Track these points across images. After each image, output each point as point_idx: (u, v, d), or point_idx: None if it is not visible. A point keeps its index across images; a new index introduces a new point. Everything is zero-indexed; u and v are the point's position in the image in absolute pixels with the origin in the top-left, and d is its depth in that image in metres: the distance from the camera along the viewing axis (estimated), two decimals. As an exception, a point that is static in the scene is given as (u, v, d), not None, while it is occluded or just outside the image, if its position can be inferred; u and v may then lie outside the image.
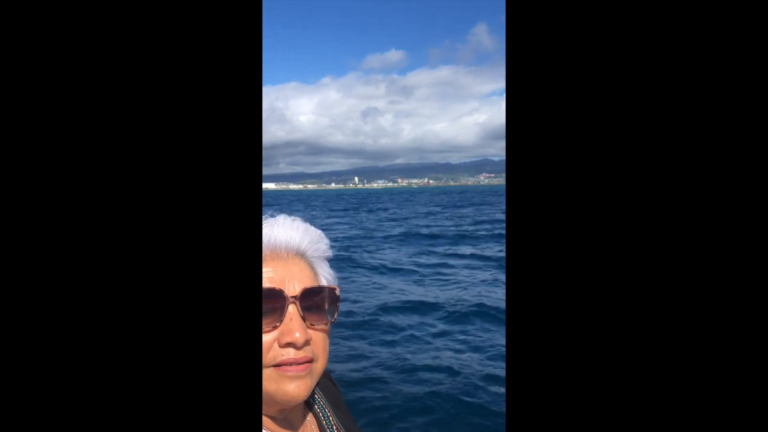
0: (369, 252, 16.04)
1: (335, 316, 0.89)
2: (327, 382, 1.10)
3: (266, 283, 0.82)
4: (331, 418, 1.01)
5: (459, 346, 6.63)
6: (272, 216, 0.90)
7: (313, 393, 1.00)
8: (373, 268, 12.88)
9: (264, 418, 0.85)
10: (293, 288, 0.84)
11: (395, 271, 12.54)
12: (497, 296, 9.10)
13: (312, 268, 0.90)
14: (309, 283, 0.86)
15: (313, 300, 0.85)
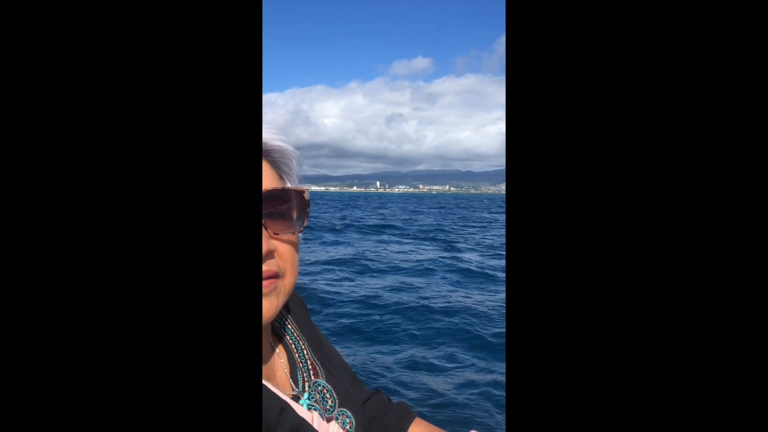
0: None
1: (305, 223, 0.76)
2: (298, 306, 0.96)
3: None
4: (305, 352, 0.88)
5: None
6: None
7: (284, 320, 0.90)
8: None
9: None
10: None
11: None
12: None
13: (276, 168, 0.77)
14: (271, 185, 0.72)
15: (276, 206, 0.72)
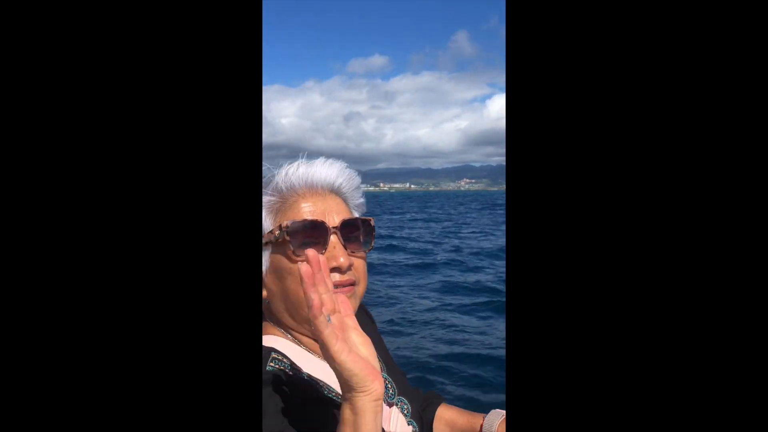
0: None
1: (372, 244, 0.95)
2: (365, 318, 1.12)
3: (308, 216, 0.89)
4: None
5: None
6: (270, 168, 0.94)
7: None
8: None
9: (312, 342, 0.92)
10: (333, 219, 0.90)
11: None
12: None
13: (346, 203, 0.96)
14: (347, 216, 0.92)
15: (351, 230, 0.91)
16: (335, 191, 0.96)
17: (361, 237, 0.93)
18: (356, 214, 0.97)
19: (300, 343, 0.94)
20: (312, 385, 0.89)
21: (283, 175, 0.92)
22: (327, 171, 0.93)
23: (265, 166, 0.94)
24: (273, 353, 0.88)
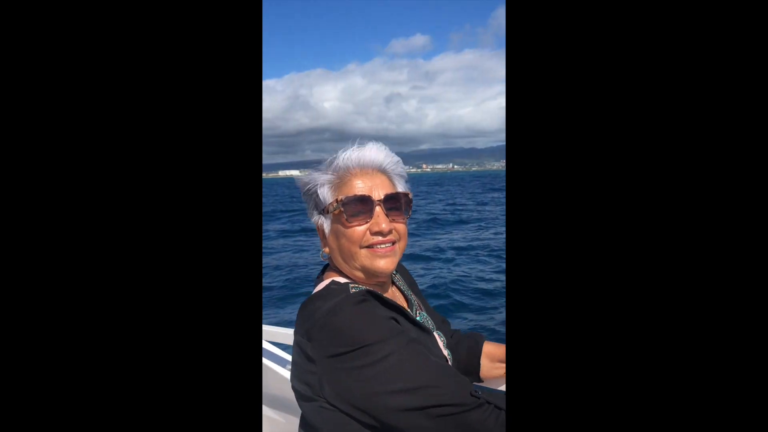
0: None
1: (409, 213, 1.12)
2: (402, 269, 1.35)
3: (358, 191, 1.05)
4: (412, 295, 1.26)
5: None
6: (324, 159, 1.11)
7: (398, 279, 1.29)
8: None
9: (365, 285, 1.08)
10: (378, 194, 1.06)
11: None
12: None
13: (390, 180, 1.11)
14: (389, 190, 1.08)
15: (392, 202, 1.07)
16: (381, 170, 1.10)
17: (402, 206, 1.09)
18: (399, 189, 1.12)
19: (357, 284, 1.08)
20: (395, 304, 1.04)
21: (342, 157, 1.07)
22: (375, 154, 1.08)
23: (300, 176, 1.14)
24: (350, 284, 1.04)
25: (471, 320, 6.73)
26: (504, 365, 1.36)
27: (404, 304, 1.19)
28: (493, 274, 9.32)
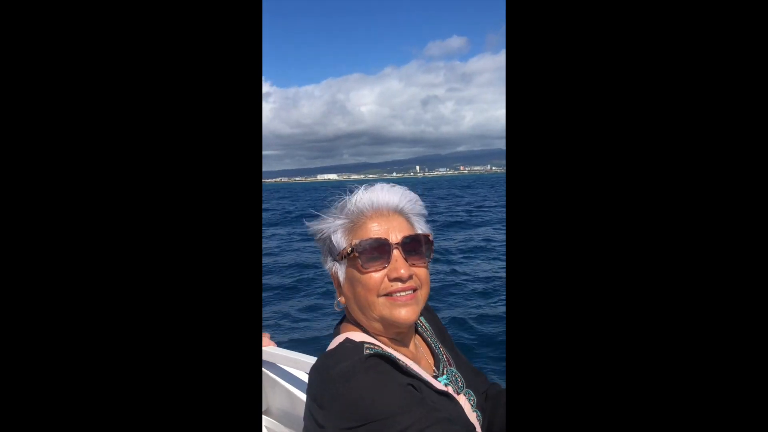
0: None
1: (431, 255, 1.03)
2: (430, 316, 1.24)
3: (374, 235, 0.98)
4: (440, 347, 1.15)
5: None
6: (341, 195, 1.04)
7: (424, 326, 1.18)
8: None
9: (385, 339, 1.01)
10: (395, 237, 0.98)
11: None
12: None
13: (409, 221, 1.04)
14: (407, 232, 1.00)
15: (411, 245, 0.99)
16: (398, 211, 1.03)
17: (423, 249, 1.01)
18: (418, 230, 1.05)
19: (375, 338, 1.01)
20: (411, 371, 0.96)
21: (354, 201, 1.00)
22: (389, 195, 1.02)
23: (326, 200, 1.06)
24: (366, 344, 0.95)
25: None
26: None
27: (430, 359, 1.11)
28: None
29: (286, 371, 1.76)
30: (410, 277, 0.97)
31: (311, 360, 1.67)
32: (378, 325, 0.99)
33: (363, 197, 1.00)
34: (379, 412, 0.79)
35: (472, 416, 1.06)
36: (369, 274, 0.96)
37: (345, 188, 1.05)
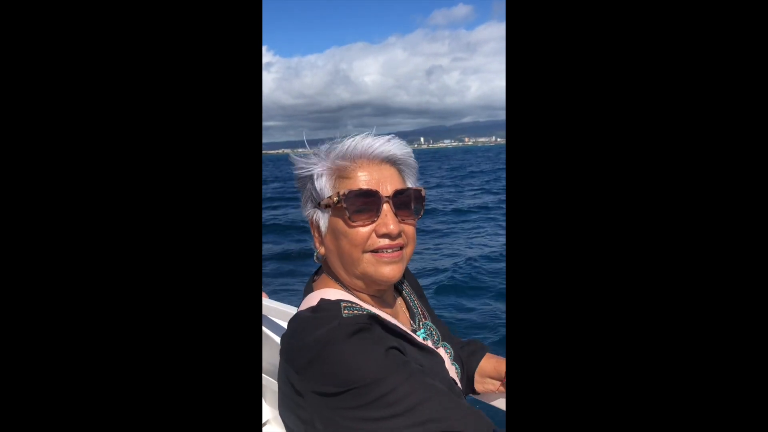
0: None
1: (421, 213, 0.97)
2: (409, 275, 1.19)
3: (363, 185, 0.90)
4: (416, 302, 1.12)
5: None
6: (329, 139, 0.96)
7: (403, 280, 1.14)
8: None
9: (365, 296, 0.96)
10: (386, 189, 0.91)
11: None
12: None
13: (401, 174, 0.96)
14: (399, 186, 0.93)
15: (402, 199, 0.93)
16: (392, 162, 0.96)
17: (412, 205, 0.95)
18: (409, 185, 0.98)
19: (353, 294, 0.97)
20: (393, 327, 0.92)
21: (345, 145, 0.91)
22: (383, 144, 0.93)
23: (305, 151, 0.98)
24: (342, 303, 0.90)
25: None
26: (496, 382, 1.22)
27: (406, 313, 1.09)
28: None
29: (278, 325, 1.69)
30: (399, 234, 0.91)
31: None
32: (360, 283, 0.94)
33: (359, 143, 0.91)
34: (360, 376, 0.75)
35: (452, 369, 1.04)
36: (356, 228, 0.89)
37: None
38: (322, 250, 0.97)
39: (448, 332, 1.17)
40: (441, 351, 1.04)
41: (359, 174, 0.91)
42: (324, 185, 0.92)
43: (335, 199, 0.89)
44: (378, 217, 0.90)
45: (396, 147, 0.94)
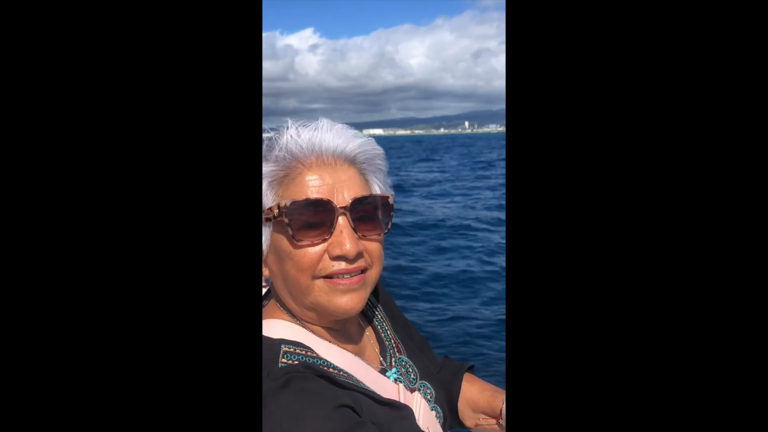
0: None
1: (389, 225, 0.82)
2: (383, 297, 1.02)
3: (313, 193, 0.74)
4: (389, 332, 0.95)
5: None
6: (272, 129, 0.81)
7: (371, 306, 0.97)
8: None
9: (321, 330, 0.81)
10: (342, 198, 0.75)
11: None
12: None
13: (363, 175, 0.81)
14: (360, 192, 0.77)
15: (364, 210, 0.77)
16: (349, 160, 0.78)
17: (379, 215, 0.79)
18: (376, 189, 0.82)
19: (306, 327, 0.81)
20: (345, 383, 0.77)
21: (287, 139, 0.75)
22: (337, 137, 0.76)
23: (268, 129, 0.80)
24: (284, 346, 0.75)
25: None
26: (492, 420, 1.00)
27: (376, 346, 0.91)
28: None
29: None
30: (359, 255, 0.75)
31: None
32: (311, 314, 0.79)
33: (301, 136, 0.75)
34: None
35: (430, 415, 0.88)
36: (303, 249, 0.74)
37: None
38: (266, 272, 0.80)
39: (431, 365, 0.98)
40: (416, 397, 0.88)
41: (308, 178, 0.75)
42: (264, 192, 0.75)
43: (276, 211, 0.73)
44: (331, 234, 0.74)
45: (349, 139, 0.77)
